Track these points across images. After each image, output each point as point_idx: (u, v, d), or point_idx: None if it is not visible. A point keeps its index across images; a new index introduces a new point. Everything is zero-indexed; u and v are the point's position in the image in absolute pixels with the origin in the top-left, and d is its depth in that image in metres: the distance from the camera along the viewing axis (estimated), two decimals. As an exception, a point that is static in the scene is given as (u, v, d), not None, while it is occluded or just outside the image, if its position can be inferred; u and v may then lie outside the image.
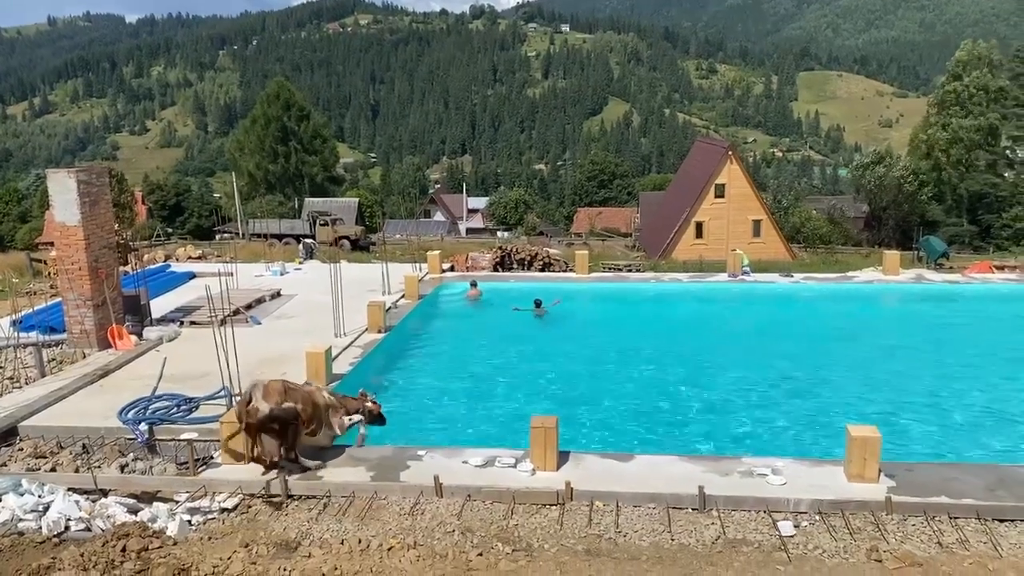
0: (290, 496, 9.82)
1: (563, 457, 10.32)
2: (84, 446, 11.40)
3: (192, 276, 24.66)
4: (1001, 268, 27.64)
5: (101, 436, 11.61)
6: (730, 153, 53.55)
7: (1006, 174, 65.03)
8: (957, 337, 19.29)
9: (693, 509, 9.31)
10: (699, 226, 52.07)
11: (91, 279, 15.84)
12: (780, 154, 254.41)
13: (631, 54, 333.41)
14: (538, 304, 21.01)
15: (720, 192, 52.12)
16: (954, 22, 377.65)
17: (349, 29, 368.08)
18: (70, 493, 9.69)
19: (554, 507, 9.42)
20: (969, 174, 62.93)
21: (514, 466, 10.19)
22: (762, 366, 16.61)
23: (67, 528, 9.05)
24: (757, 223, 52.12)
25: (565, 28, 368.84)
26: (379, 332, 17.55)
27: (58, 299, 17.80)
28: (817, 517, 9.10)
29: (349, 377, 14.40)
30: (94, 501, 9.63)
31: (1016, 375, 15.87)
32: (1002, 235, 59.11)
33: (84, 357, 15.64)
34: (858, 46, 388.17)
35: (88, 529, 9.05)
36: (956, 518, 8.97)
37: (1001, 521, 8.94)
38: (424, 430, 12.85)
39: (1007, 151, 66.00)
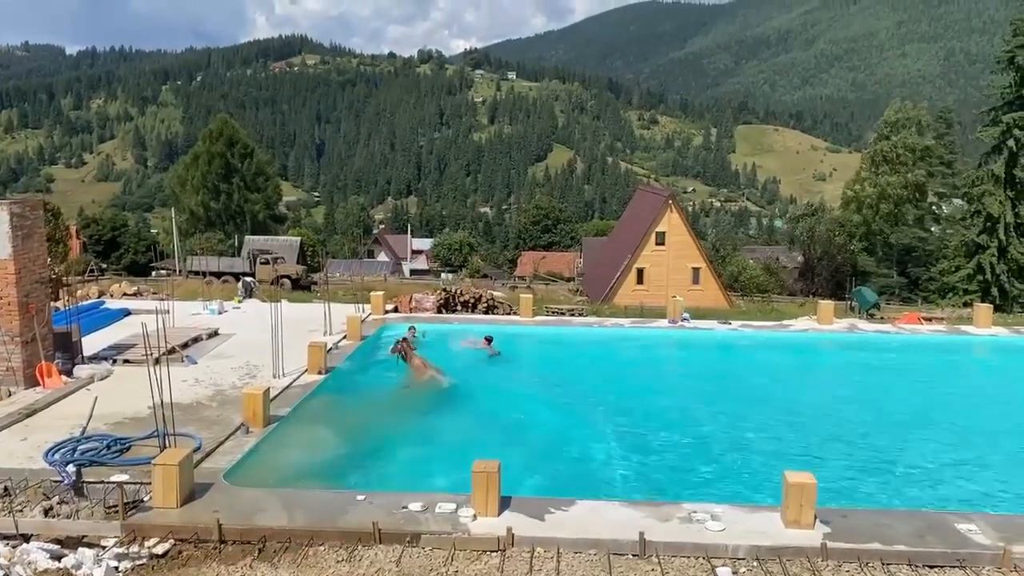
0: (223, 541, 9.54)
1: (505, 502, 10.24)
2: (6, 488, 10.91)
3: (127, 313, 24.04)
4: (929, 320, 28.57)
5: (25, 478, 11.14)
6: (670, 202, 54.72)
7: (933, 228, 67.70)
8: (889, 385, 19.91)
9: (633, 555, 9.32)
10: (640, 272, 52.88)
11: (20, 315, 15.33)
12: (718, 204, 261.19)
13: (575, 103, 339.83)
14: (489, 341, 21.41)
15: (660, 240, 53.10)
16: (884, 82, 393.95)
17: (296, 68, 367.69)
18: (-11, 538, 9.27)
19: (495, 553, 9.34)
20: (898, 228, 65.32)
21: (455, 511, 10.08)
22: (700, 410, 16.85)
23: (-16, 575, 8.65)
24: (696, 271, 53.16)
25: (511, 75, 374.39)
26: (319, 373, 17.30)
27: (-17, 334, 17.14)
28: (755, 563, 9.19)
29: (287, 418, 14.17)
30: (14, 547, 9.23)
31: (942, 423, 16.39)
32: (930, 287, 61.19)
33: (9, 395, 15.07)
34: (794, 102, 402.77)
35: (7, 576, 8.66)
36: (888, 564, 9.16)
37: (931, 567, 9.16)
38: (364, 473, 12.64)
39: (933, 207, 68.84)
